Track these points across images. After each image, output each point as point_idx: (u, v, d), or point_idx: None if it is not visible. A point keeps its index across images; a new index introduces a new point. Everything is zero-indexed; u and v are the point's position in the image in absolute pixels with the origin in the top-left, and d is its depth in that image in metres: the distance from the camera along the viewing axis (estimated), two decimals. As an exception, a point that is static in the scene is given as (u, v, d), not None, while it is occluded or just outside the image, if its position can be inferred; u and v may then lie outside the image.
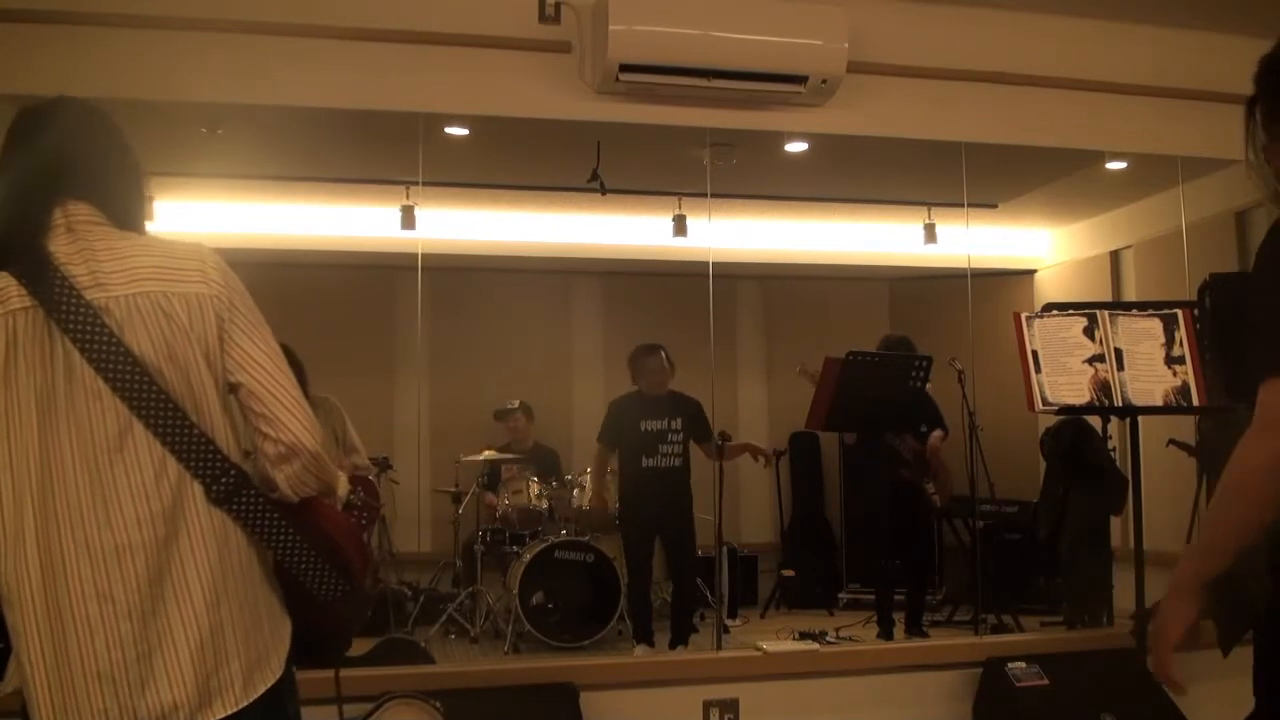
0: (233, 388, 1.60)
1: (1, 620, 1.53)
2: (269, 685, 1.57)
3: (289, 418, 1.58)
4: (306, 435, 1.58)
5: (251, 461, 1.62)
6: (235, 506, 1.55)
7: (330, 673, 2.02)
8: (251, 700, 1.55)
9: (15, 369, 1.50)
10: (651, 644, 4.84)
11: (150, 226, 1.70)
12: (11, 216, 1.56)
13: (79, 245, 1.55)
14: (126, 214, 1.64)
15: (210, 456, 1.53)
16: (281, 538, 1.58)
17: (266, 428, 1.58)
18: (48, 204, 1.57)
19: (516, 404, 5.87)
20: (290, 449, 1.57)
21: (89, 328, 1.49)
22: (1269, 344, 1.54)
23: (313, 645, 1.69)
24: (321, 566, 1.61)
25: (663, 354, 5.12)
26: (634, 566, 4.99)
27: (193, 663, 1.50)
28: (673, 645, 4.80)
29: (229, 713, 1.52)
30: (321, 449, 1.61)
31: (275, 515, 1.58)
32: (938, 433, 5.16)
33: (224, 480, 1.54)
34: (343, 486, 1.77)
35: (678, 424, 4.99)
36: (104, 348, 1.49)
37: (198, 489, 1.53)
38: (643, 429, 5.00)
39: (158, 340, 1.53)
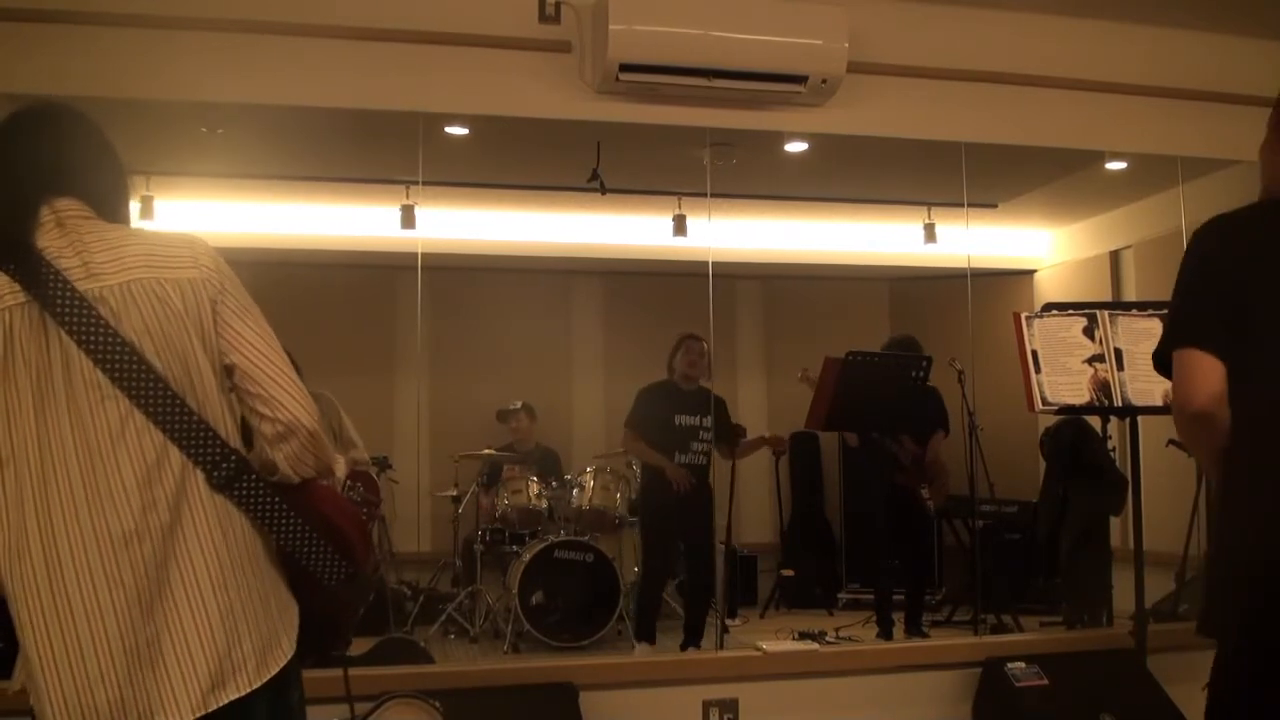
0: (227, 370, 1.61)
1: (7, 618, 1.53)
2: (281, 666, 1.58)
3: (285, 396, 1.59)
4: (303, 413, 1.60)
5: (252, 449, 1.62)
6: (236, 491, 1.56)
7: (338, 672, 2.03)
8: (263, 681, 1.55)
9: (14, 364, 1.51)
10: (653, 642, 4.83)
11: (150, 226, 1.71)
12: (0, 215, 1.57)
13: (69, 239, 1.56)
14: (113, 208, 1.66)
15: (210, 443, 1.54)
16: (283, 521, 1.59)
17: (263, 408, 1.59)
18: (35, 201, 1.58)
19: (519, 404, 5.87)
20: (288, 427, 1.59)
21: (84, 319, 1.50)
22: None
23: (316, 634, 1.69)
24: (323, 549, 1.62)
25: (702, 344, 4.99)
26: (652, 564, 4.95)
27: (203, 646, 1.51)
28: (684, 647, 4.78)
29: (241, 694, 1.53)
30: (318, 426, 1.62)
31: (276, 499, 1.59)
32: (938, 435, 5.16)
33: (224, 466, 1.55)
34: (340, 469, 1.78)
35: (709, 423, 4.91)
36: (100, 338, 1.50)
37: (199, 475, 1.55)
38: (677, 423, 4.93)
39: (154, 327, 1.54)
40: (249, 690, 1.53)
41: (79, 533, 1.49)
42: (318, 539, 1.61)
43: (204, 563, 1.53)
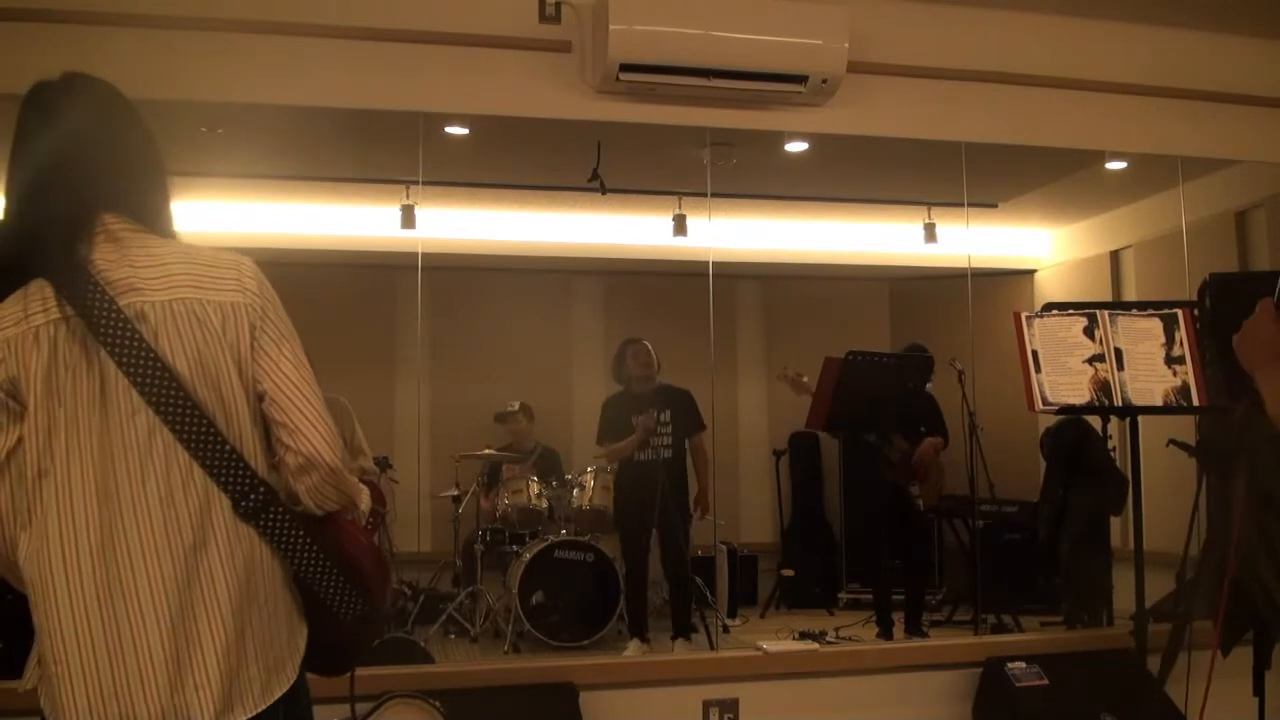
0: (259, 396, 1.60)
1: (6, 618, 1.53)
2: (285, 690, 1.58)
3: (309, 429, 1.58)
4: (325, 448, 1.58)
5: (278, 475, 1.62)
6: (262, 522, 1.56)
7: (343, 675, 2.02)
8: (269, 704, 1.55)
9: (56, 377, 1.51)
10: (646, 640, 4.83)
11: None
12: (49, 218, 1.56)
13: (121, 251, 1.56)
14: (159, 217, 1.65)
15: (239, 471, 1.54)
16: (305, 555, 1.59)
17: (287, 437, 1.58)
18: (86, 210, 1.57)
19: (517, 405, 5.86)
20: (309, 460, 1.57)
21: (121, 335, 1.50)
22: None
23: (324, 658, 1.69)
24: (342, 585, 1.62)
25: (646, 344, 5.14)
26: (630, 560, 4.99)
27: (219, 666, 1.51)
28: (674, 638, 4.79)
29: (248, 716, 1.53)
30: (341, 463, 1.61)
31: (301, 533, 1.58)
32: (937, 440, 5.16)
33: (252, 496, 1.54)
34: (365, 501, 1.77)
35: (666, 416, 5.03)
36: (135, 354, 1.50)
37: (225, 501, 1.54)
38: (633, 425, 5.04)
39: (190, 348, 1.54)
40: (253, 713, 1.53)
41: (100, 548, 1.49)
42: (337, 575, 1.61)
43: (225, 587, 1.52)
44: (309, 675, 1.68)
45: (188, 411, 1.51)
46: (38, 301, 1.52)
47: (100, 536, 1.49)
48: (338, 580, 1.61)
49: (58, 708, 1.49)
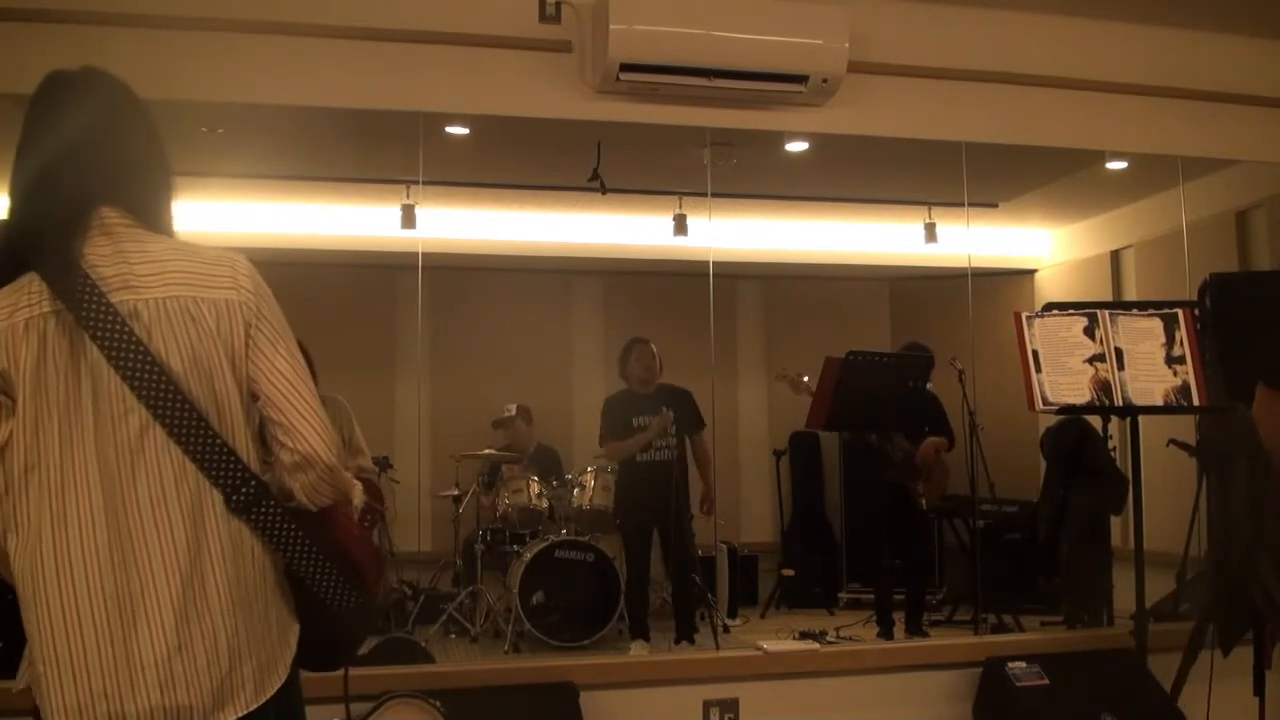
0: (253, 395, 1.60)
1: (6, 618, 1.53)
2: (278, 688, 1.57)
3: (306, 427, 1.58)
4: (322, 446, 1.58)
5: (271, 471, 1.62)
6: (254, 516, 1.55)
7: (339, 672, 2.02)
8: (262, 703, 1.55)
9: (45, 371, 1.50)
10: (648, 639, 4.84)
11: None
12: (45, 215, 1.55)
13: (114, 247, 1.55)
14: (158, 215, 1.64)
15: (230, 466, 1.53)
16: (298, 549, 1.58)
17: (284, 436, 1.58)
18: (83, 205, 1.57)
19: (514, 409, 5.84)
20: (305, 458, 1.57)
21: (112, 331, 1.49)
22: None
23: (318, 654, 1.69)
24: (336, 577, 1.61)
25: (651, 347, 5.15)
26: (633, 562, 4.99)
27: (209, 665, 1.50)
28: (677, 641, 4.79)
29: (240, 715, 1.53)
30: (336, 461, 1.61)
31: (293, 527, 1.58)
32: (940, 440, 5.16)
33: (243, 490, 1.54)
34: (358, 496, 1.77)
35: (670, 417, 5.01)
36: (127, 351, 1.49)
37: (217, 497, 1.54)
38: (635, 425, 5.04)
39: (184, 345, 1.53)
40: (246, 711, 1.53)
41: (93, 546, 1.48)
42: (331, 567, 1.61)
43: (215, 584, 1.52)
44: (303, 674, 1.68)
45: (181, 408, 1.51)
46: (29, 295, 1.52)
47: (92, 535, 1.48)
48: (330, 572, 1.61)
49: (46, 707, 1.48)
